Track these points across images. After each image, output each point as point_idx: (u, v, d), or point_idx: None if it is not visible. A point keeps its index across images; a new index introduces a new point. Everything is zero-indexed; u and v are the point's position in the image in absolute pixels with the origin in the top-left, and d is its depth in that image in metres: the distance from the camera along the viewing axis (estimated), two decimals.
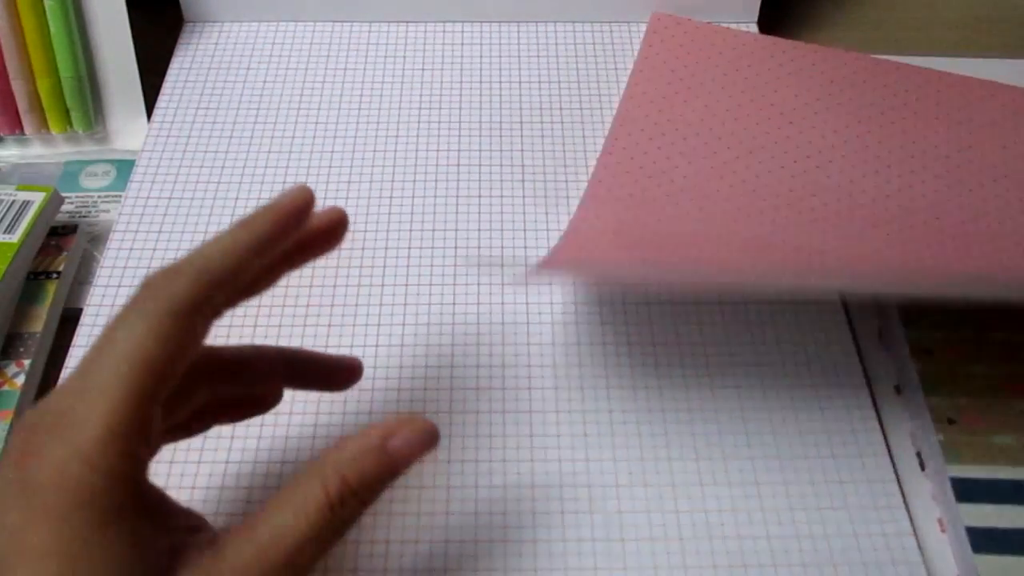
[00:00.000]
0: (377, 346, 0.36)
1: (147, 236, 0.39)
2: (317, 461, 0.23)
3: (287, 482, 0.23)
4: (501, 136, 0.43)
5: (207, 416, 0.27)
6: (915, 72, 0.44)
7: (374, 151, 0.43)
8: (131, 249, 0.38)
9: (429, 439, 0.24)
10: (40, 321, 0.36)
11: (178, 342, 0.21)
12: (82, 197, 0.42)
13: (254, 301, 0.37)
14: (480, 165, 0.42)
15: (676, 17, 0.47)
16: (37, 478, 0.19)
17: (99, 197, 0.42)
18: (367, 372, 0.35)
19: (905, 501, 0.32)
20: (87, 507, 0.19)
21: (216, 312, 0.23)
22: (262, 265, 0.24)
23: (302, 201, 0.25)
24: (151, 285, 0.22)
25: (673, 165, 0.39)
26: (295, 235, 0.25)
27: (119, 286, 0.37)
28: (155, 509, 0.22)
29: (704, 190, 0.38)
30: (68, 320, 0.37)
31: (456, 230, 0.39)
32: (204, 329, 0.22)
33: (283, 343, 0.35)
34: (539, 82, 0.46)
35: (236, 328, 0.36)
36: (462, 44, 0.48)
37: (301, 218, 0.25)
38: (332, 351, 0.35)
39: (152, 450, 0.22)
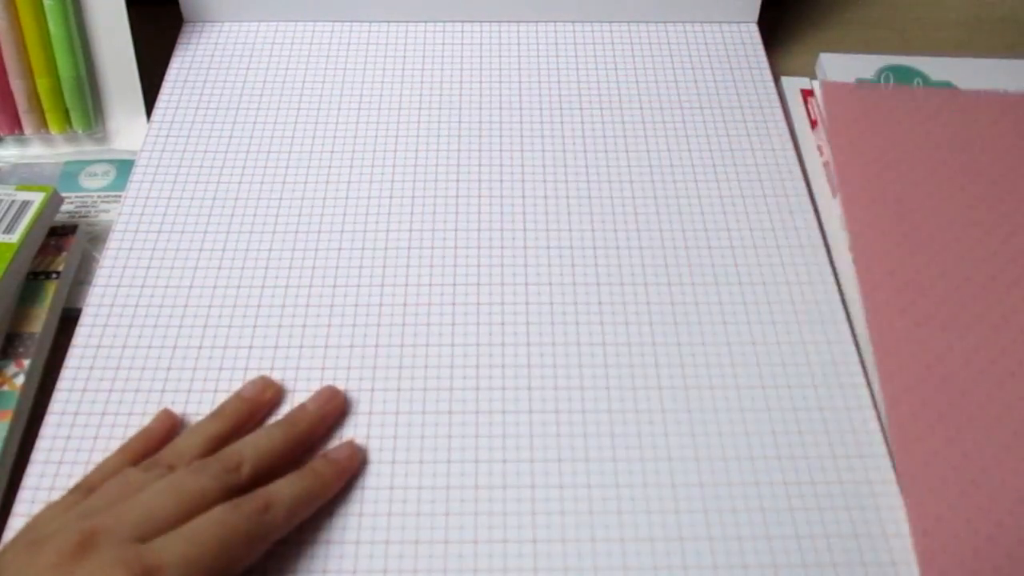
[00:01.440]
0: (377, 346, 0.36)
1: (147, 236, 0.39)
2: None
3: None
4: (501, 136, 0.43)
5: None
6: None
7: (374, 151, 0.43)
8: (131, 249, 0.38)
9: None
10: (40, 321, 0.36)
11: None
12: (82, 197, 0.42)
13: (253, 302, 0.37)
14: (480, 165, 0.42)
15: (848, 85, 0.40)
16: None
17: (99, 197, 0.42)
18: (367, 373, 0.35)
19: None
20: None
21: None
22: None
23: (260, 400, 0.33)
24: None
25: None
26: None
27: (119, 286, 0.37)
28: None
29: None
30: (68, 320, 0.37)
31: (456, 230, 0.39)
32: None
33: (282, 344, 0.35)
34: (539, 82, 0.46)
35: (236, 328, 0.36)
36: (462, 44, 0.48)
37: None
38: (332, 350, 0.35)
39: None
